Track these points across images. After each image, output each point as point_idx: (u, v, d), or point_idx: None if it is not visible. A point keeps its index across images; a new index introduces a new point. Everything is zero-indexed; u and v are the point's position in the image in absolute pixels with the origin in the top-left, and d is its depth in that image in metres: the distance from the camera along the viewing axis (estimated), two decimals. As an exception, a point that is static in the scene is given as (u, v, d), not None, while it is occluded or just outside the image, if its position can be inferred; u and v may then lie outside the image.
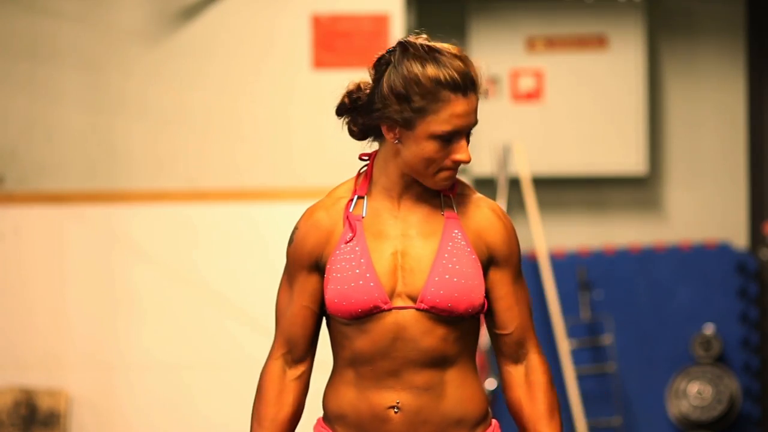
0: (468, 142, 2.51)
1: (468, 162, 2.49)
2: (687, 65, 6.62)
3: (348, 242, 2.49)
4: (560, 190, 6.62)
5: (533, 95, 6.49)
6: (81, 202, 5.80)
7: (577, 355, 6.36)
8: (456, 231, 2.51)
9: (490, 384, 6.08)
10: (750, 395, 6.39)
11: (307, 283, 2.54)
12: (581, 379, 6.33)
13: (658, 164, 6.65)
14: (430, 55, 2.47)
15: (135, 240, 5.79)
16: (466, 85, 2.48)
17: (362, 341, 2.48)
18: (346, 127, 2.58)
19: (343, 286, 2.46)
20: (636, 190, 6.64)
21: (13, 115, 5.87)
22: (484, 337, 5.85)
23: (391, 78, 2.48)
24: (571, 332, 6.38)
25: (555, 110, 6.49)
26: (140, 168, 5.88)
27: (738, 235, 6.61)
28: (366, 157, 2.59)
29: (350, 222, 2.51)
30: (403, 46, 2.49)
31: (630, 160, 6.47)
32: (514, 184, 6.41)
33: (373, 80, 2.52)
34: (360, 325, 2.47)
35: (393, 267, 2.48)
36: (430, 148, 2.46)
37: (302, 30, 5.90)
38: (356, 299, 2.45)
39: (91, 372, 5.78)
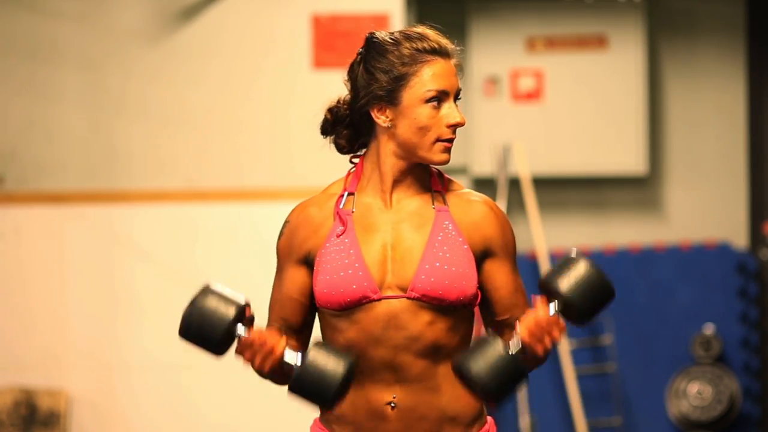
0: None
1: (462, 124, 2.51)
2: (687, 65, 6.62)
3: (339, 236, 2.50)
4: (560, 190, 6.62)
5: (533, 95, 6.49)
6: (81, 202, 5.80)
7: (577, 355, 6.36)
8: (447, 222, 2.52)
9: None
10: (750, 395, 6.39)
11: (296, 276, 2.55)
12: (581, 379, 6.33)
13: (658, 164, 6.65)
14: (399, 35, 2.53)
15: (135, 240, 5.79)
16: (444, 49, 2.52)
17: (353, 331, 2.48)
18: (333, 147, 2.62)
19: (332, 277, 2.47)
20: (636, 190, 6.64)
21: (13, 115, 5.87)
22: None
23: (367, 64, 2.52)
24: (571, 332, 6.38)
25: (555, 110, 6.49)
26: (140, 168, 5.88)
27: (738, 235, 6.61)
28: (357, 160, 2.61)
29: (340, 216, 2.52)
30: (371, 36, 2.55)
31: (630, 160, 6.47)
32: (514, 184, 6.41)
33: (351, 81, 2.56)
34: (350, 316, 2.48)
35: (383, 258, 2.49)
36: (422, 114, 2.49)
37: (302, 30, 5.90)
38: (345, 289, 2.46)
39: (91, 372, 5.78)
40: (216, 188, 5.86)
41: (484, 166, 6.45)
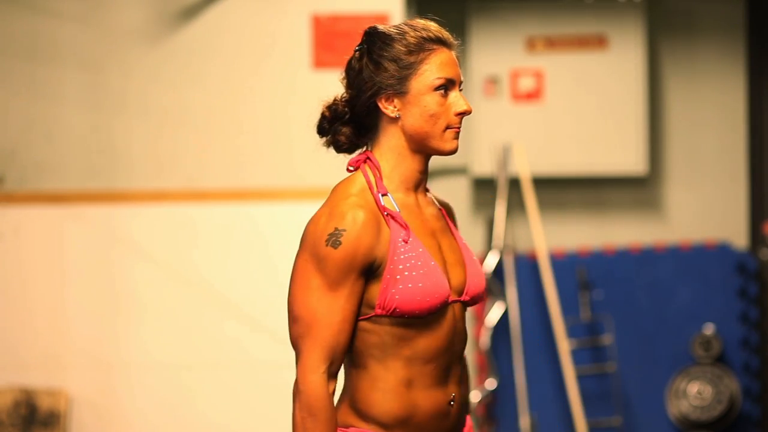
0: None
1: (470, 111, 2.52)
2: (687, 65, 6.62)
3: (405, 241, 2.47)
4: (560, 190, 6.62)
5: (533, 95, 6.49)
6: (81, 202, 5.80)
7: (577, 355, 6.36)
8: (450, 223, 2.62)
9: (490, 384, 6.08)
10: (750, 395, 6.39)
11: (356, 288, 2.43)
12: (581, 379, 6.33)
13: (658, 164, 6.65)
14: (404, 25, 2.55)
15: (135, 240, 5.79)
16: (447, 40, 2.54)
17: (426, 339, 2.48)
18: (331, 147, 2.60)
19: (419, 284, 2.44)
20: (636, 190, 6.64)
21: (13, 115, 5.87)
22: (483, 337, 5.84)
23: (373, 55, 2.52)
24: (571, 332, 6.38)
25: (555, 110, 6.49)
26: (140, 168, 5.88)
27: (738, 235, 6.61)
28: (352, 168, 2.57)
29: (398, 221, 2.48)
30: (373, 29, 2.56)
31: (630, 160, 6.47)
32: (514, 184, 6.41)
33: (349, 78, 2.56)
34: (425, 323, 2.47)
35: (444, 262, 2.52)
36: (431, 102, 2.49)
37: (302, 30, 5.90)
38: (432, 294, 2.45)
39: (91, 372, 5.78)
40: (216, 188, 5.86)
41: (484, 166, 6.45)
